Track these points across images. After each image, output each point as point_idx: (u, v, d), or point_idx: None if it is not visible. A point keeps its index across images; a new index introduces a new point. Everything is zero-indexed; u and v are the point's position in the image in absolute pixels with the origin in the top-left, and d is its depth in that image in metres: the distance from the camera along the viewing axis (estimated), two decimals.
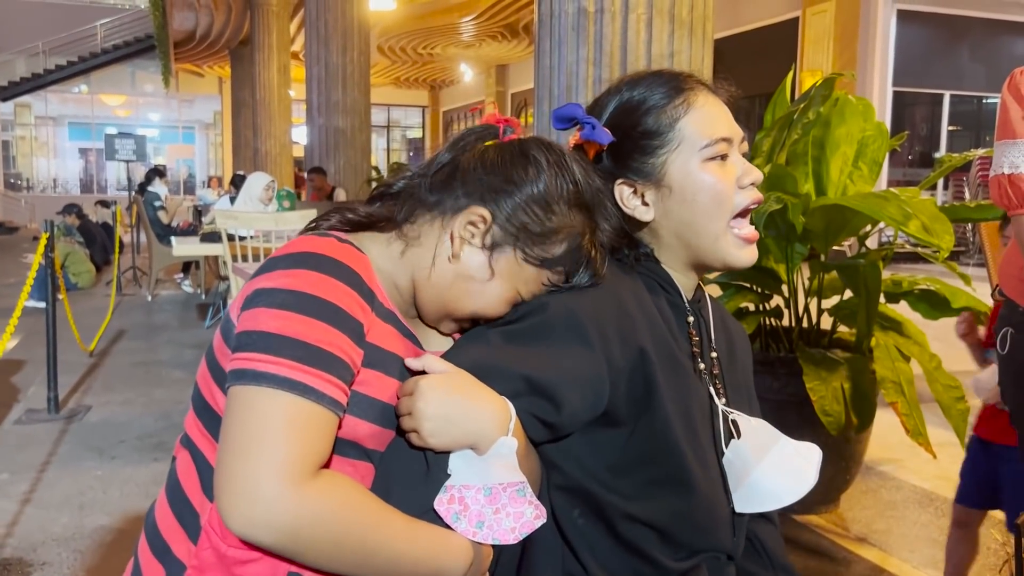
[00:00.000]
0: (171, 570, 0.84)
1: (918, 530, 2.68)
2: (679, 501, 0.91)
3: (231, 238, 4.76)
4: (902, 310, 2.85)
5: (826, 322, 2.98)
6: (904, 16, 10.88)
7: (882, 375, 2.54)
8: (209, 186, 16.61)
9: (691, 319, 1.00)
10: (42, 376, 4.01)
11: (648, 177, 0.97)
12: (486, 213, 0.88)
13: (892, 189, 2.63)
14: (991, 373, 1.95)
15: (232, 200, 6.93)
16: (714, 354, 1.02)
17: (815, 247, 2.75)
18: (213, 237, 5.58)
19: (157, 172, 9.69)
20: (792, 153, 2.81)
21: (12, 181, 20.90)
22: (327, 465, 0.77)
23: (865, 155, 2.78)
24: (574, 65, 2.45)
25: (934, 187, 10.51)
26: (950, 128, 11.82)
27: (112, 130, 14.60)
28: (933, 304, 2.77)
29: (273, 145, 11.20)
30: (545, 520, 0.82)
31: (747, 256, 0.98)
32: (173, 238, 6.99)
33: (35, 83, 16.92)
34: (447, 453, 0.80)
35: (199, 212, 9.78)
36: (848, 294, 2.86)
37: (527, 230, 0.88)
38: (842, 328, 2.98)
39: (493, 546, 0.84)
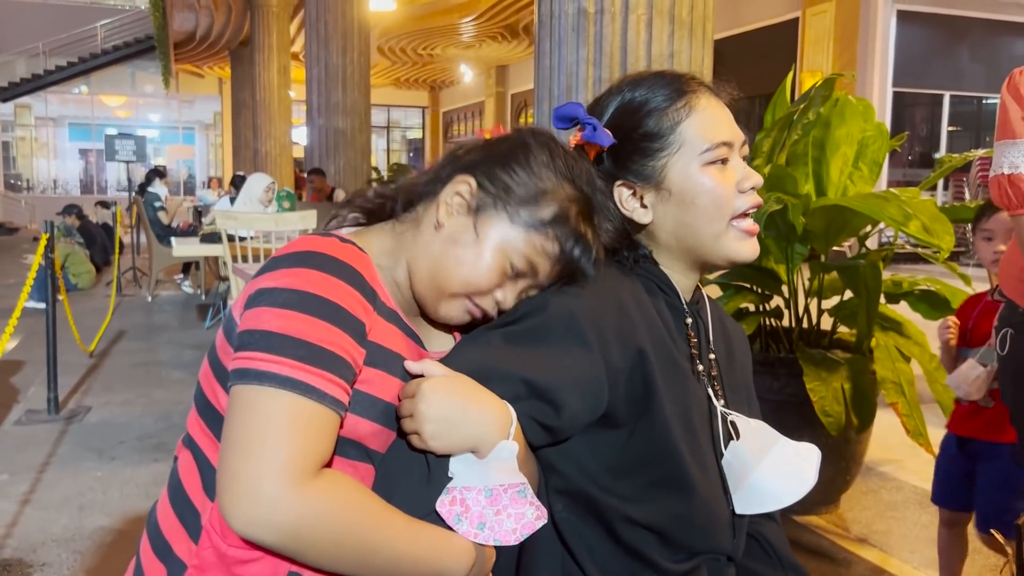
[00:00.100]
0: (172, 569, 0.84)
1: (918, 531, 2.68)
2: (678, 503, 0.91)
3: (231, 239, 4.76)
4: (902, 311, 2.85)
5: (826, 323, 2.98)
6: (904, 17, 10.89)
7: (882, 376, 2.54)
8: (209, 187, 16.61)
9: (689, 321, 1.00)
10: (42, 377, 4.01)
11: (648, 180, 0.96)
12: (470, 179, 0.90)
13: (892, 190, 2.64)
14: (969, 368, 1.96)
15: (232, 201, 6.94)
16: (712, 355, 1.02)
17: (815, 248, 2.75)
18: (213, 238, 5.58)
19: (157, 173, 9.69)
20: (792, 154, 2.81)
21: (12, 182, 20.90)
22: (328, 465, 0.77)
23: (865, 156, 2.78)
24: (574, 66, 2.45)
25: (934, 188, 10.51)
26: (950, 129, 11.82)
27: (112, 131, 14.57)
28: (933, 305, 2.77)
29: (273, 146, 11.20)
30: (546, 521, 0.82)
31: (749, 249, 0.97)
32: (173, 239, 6.99)
33: (35, 84, 16.92)
34: (448, 456, 0.80)
35: (199, 213, 9.79)
36: (848, 295, 2.86)
37: (511, 192, 0.88)
38: (842, 329, 2.98)
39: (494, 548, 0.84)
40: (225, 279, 5.62)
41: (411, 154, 25.50)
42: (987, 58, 11.42)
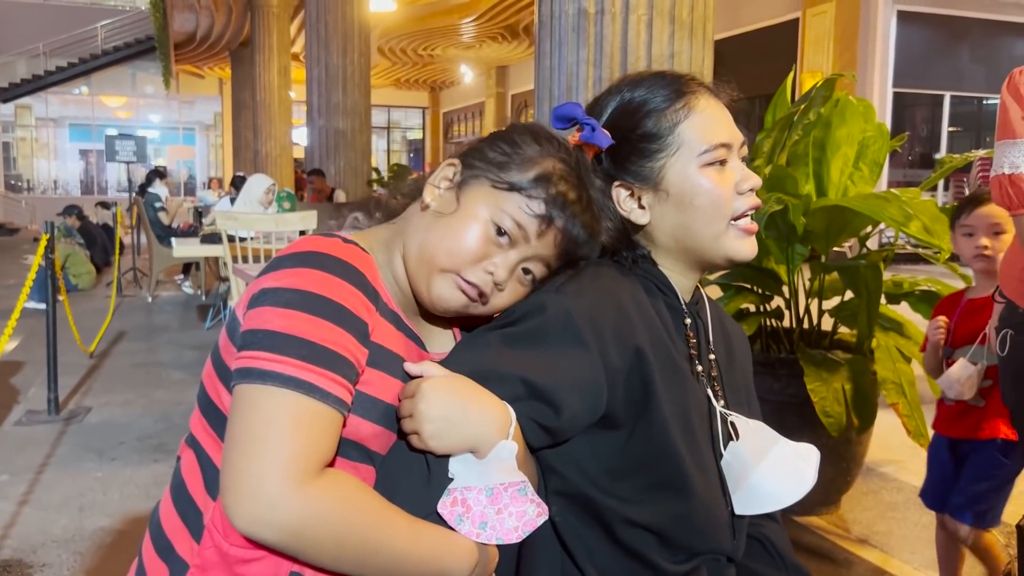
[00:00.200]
0: (174, 569, 0.84)
1: (919, 531, 2.67)
2: (678, 504, 0.91)
3: (231, 239, 4.76)
4: (903, 311, 2.85)
5: (827, 323, 2.98)
6: (904, 17, 10.89)
7: (883, 376, 2.54)
8: (209, 187, 16.60)
9: (688, 321, 1.00)
10: (42, 377, 4.00)
11: (646, 180, 0.96)
12: (456, 160, 0.92)
13: (893, 190, 2.63)
14: (961, 368, 1.96)
15: (232, 201, 6.94)
16: (712, 356, 1.02)
17: (816, 248, 2.75)
18: (213, 238, 5.58)
19: (157, 173, 9.68)
20: (793, 154, 2.81)
21: (13, 183, 20.91)
22: (331, 466, 0.77)
23: (866, 156, 2.78)
24: (574, 66, 2.45)
25: (935, 188, 10.50)
26: (950, 129, 11.82)
27: (112, 131, 14.59)
28: (934, 305, 2.76)
29: (273, 147, 11.20)
30: (548, 517, 0.82)
31: (748, 248, 0.97)
32: (173, 239, 6.99)
33: (36, 84, 16.94)
34: (447, 457, 0.80)
35: (199, 213, 9.79)
36: (849, 295, 2.86)
37: (495, 162, 0.89)
38: (843, 329, 2.98)
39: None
40: (225, 280, 5.62)
41: (411, 155, 25.51)
42: (987, 58, 11.42)
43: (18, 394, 4.28)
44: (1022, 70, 1.50)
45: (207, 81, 20.52)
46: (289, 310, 0.77)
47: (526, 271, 0.89)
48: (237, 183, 8.24)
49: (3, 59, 17.25)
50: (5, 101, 17.44)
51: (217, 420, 0.85)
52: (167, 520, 0.88)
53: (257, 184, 6.18)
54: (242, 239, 5.05)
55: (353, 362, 0.79)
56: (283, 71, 11.31)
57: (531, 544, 0.88)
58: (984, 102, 11.86)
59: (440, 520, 0.79)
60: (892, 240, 5.65)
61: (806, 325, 2.93)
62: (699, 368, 0.99)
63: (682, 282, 1.01)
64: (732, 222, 0.96)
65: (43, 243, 3.98)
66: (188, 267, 8.55)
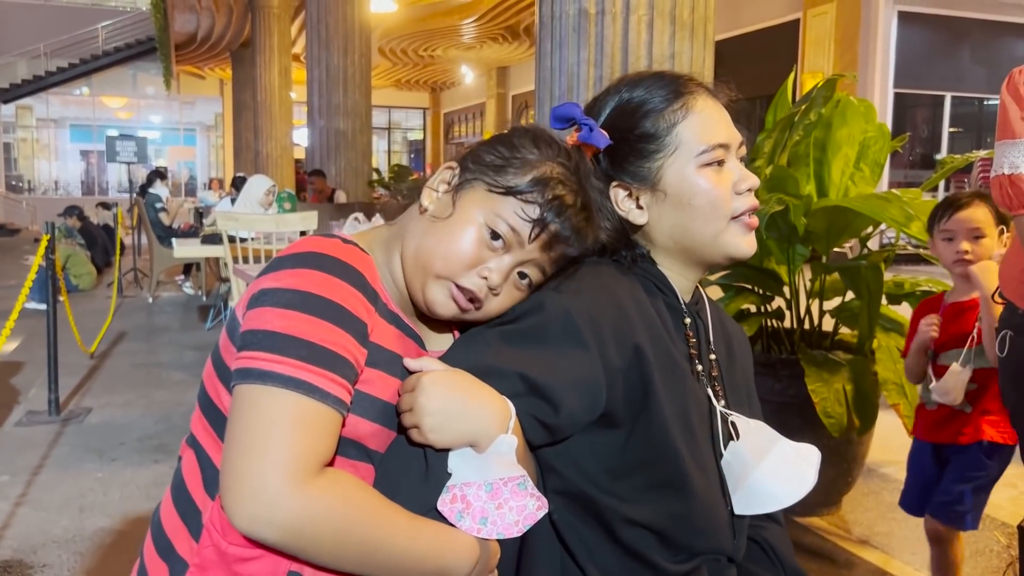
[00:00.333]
0: (174, 568, 0.84)
1: (920, 532, 2.66)
2: (677, 504, 0.91)
3: (232, 240, 4.76)
4: (904, 311, 2.85)
5: (828, 324, 2.98)
6: (905, 18, 10.88)
7: (884, 377, 2.54)
8: (210, 188, 16.61)
9: (688, 321, 1.00)
10: (43, 378, 4.01)
11: (644, 181, 0.96)
12: (454, 164, 0.92)
13: (894, 191, 2.63)
14: (956, 374, 1.96)
15: (233, 202, 6.94)
16: (713, 356, 1.02)
17: (817, 249, 2.74)
18: (214, 239, 5.58)
19: (158, 174, 9.69)
20: (793, 154, 2.81)
21: (13, 183, 20.92)
22: (330, 465, 0.77)
23: (867, 156, 2.78)
24: (575, 67, 2.45)
25: (936, 188, 10.49)
26: (951, 130, 11.81)
27: (113, 132, 14.57)
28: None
29: (274, 147, 11.21)
30: (548, 510, 0.82)
31: (747, 244, 0.97)
32: (174, 240, 6.99)
33: (36, 85, 16.96)
34: (446, 452, 0.80)
35: (200, 214, 9.78)
36: (850, 296, 2.86)
37: (491, 165, 0.89)
38: (844, 330, 2.98)
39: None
40: (226, 280, 5.62)
41: (412, 155, 25.51)
42: (988, 59, 11.41)
43: (18, 394, 4.28)
44: (1022, 70, 1.50)
45: (208, 82, 20.52)
46: (289, 310, 0.77)
47: (522, 275, 0.89)
48: (238, 184, 8.24)
49: (4, 60, 17.26)
50: (6, 102, 17.46)
51: (217, 420, 0.85)
52: (167, 520, 0.88)
53: (257, 185, 6.18)
54: (242, 240, 5.05)
55: (352, 362, 0.79)
56: (284, 72, 11.31)
57: (531, 543, 0.88)
58: (985, 103, 11.85)
59: (440, 517, 0.79)
60: (893, 241, 5.65)
61: (807, 326, 2.93)
62: (699, 368, 0.99)
63: (681, 282, 1.01)
64: (731, 220, 0.96)
65: (44, 243, 3.98)
66: (189, 268, 8.55)
